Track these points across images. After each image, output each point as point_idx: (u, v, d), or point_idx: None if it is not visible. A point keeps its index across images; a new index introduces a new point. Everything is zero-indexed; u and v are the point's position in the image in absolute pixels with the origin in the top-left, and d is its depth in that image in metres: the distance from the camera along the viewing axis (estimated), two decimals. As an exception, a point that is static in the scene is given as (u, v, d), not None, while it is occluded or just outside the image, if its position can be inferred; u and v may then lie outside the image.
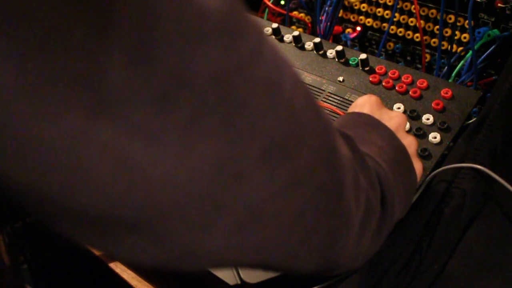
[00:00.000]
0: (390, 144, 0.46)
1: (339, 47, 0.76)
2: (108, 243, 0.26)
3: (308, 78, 0.76)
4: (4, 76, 0.19)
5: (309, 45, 0.80)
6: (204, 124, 0.23)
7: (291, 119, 0.28)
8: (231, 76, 0.24)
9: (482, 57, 0.73)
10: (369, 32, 0.87)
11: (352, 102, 0.61)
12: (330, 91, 0.74)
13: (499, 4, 0.71)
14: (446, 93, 0.68)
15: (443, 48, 0.77)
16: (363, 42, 0.89)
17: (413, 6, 0.79)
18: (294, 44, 0.81)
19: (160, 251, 0.27)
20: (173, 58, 0.22)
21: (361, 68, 0.75)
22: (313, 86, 0.75)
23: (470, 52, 0.72)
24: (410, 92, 0.70)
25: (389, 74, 0.73)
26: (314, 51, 0.79)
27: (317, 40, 0.78)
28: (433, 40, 0.80)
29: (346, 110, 0.67)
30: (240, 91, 0.25)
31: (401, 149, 0.47)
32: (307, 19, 0.93)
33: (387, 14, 0.83)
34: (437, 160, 0.63)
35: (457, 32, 0.76)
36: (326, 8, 0.84)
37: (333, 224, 0.34)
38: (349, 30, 0.89)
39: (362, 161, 0.38)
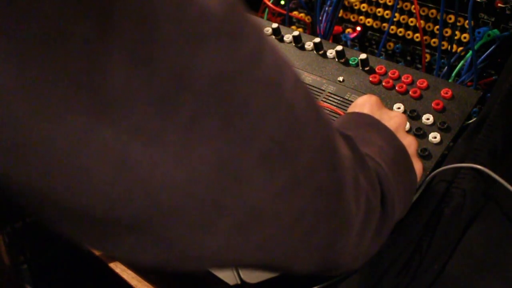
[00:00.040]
0: (390, 144, 0.46)
1: (339, 47, 0.76)
2: (108, 243, 0.26)
3: (308, 78, 0.76)
4: (4, 76, 0.19)
5: (309, 45, 0.80)
6: (204, 124, 0.23)
7: (291, 119, 0.28)
8: (231, 76, 0.24)
9: (482, 57, 0.73)
10: (369, 32, 0.87)
11: (352, 102, 0.61)
12: (330, 91, 0.74)
13: (499, 4, 0.71)
14: (446, 93, 0.68)
15: (443, 48, 0.77)
16: (363, 42, 0.89)
17: (413, 6, 0.79)
18: (294, 44, 0.81)
19: (160, 251, 0.27)
20: (173, 59, 0.22)
21: (361, 68, 0.75)
22: (313, 86, 0.75)
23: (470, 52, 0.72)
24: (410, 92, 0.70)
25: (389, 74, 0.73)
26: (314, 51, 0.79)
27: (317, 40, 0.78)
28: (433, 40, 0.80)
29: (346, 110, 0.67)
30: (240, 91, 0.25)
31: (401, 149, 0.47)
32: (307, 19, 0.93)
33: (387, 14, 0.83)
34: (437, 160, 0.63)
35: (457, 32, 0.76)
36: (326, 8, 0.84)
37: (333, 224, 0.34)
38: (349, 30, 0.89)
39: (362, 162, 0.38)
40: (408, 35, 0.82)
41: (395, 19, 0.82)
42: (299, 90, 0.29)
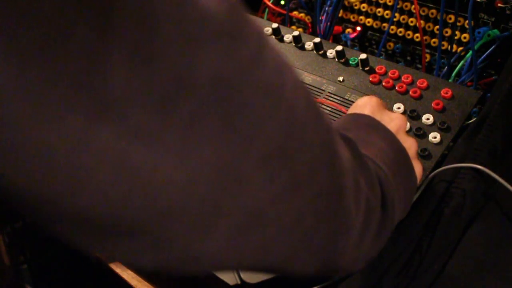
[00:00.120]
0: (390, 146, 0.46)
1: (339, 47, 0.76)
2: (108, 245, 0.26)
3: (308, 78, 0.76)
4: (4, 76, 0.19)
5: (309, 45, 0.80)
6: (204, 126, 0.23)
7: (291, 121, 0.28)
8: (231, 78, 0.24)
9: (482, 57, 0.73)
10: (369, 32, 0.87)
11: (352, 102, 0.61)
12: (330, 91, 0.74)
13: (499, 4, 0.71)
14: (446, 93, 0.68)
15: (443, 48, 0.77)
16: (363, 42, 0.89)
17: (413, 6, 0.79)
18: (294, 44, 0.81)
19: (160, 253, 0.27)
20: (174, 60, 0.22)
21: (361, 68, 0.75)
22: (313, 86, 0.75)
23: (470, 52, 0.72)
24: (410, 92, 0.70)
25: (389, 74, 0.73)
26: (314, 51, 0.79)
27: (317, 40, 0.78)
28: (433, 40, 0.79)
29: (347, 107, 0.67)
30: (240, 93, 0.25)
31: (402, 151, 0.47)
32: (307, 19, 0.93)
33: (387, 14, 0.83)
34: (437, 160, 0.63)
35: (457, 32, 0.76)
36: (326, 8, 0.84)
37: (334, 226, 0.34)
38: (349, 30, 0.89)
39: (362, 163, 0.38)
40: (408, 35, 0.82)
41: (395, 19, 0.82)
42: (299, 91, 0.29)
